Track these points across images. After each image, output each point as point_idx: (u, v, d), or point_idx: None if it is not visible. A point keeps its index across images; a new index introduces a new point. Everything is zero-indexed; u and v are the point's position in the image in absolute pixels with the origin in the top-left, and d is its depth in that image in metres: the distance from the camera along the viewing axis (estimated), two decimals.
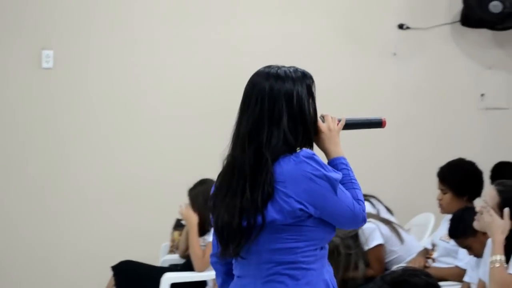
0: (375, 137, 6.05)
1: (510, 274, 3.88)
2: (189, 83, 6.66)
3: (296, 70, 2.74)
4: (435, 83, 7.06)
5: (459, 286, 4.59)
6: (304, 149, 2.69)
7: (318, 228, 2.66)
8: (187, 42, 6.68)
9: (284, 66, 2.74)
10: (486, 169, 5.48)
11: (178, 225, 6.01)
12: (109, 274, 5.64)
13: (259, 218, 2.61)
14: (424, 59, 7.05)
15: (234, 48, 6.72)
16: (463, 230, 4.41)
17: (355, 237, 5.10)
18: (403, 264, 4.96)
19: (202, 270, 5.42)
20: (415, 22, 6.98)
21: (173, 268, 5.75)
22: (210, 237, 5.36)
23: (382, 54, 6.96)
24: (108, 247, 6.43)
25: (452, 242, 4.73)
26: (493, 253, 3.90)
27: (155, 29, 6.67)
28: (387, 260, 5.21)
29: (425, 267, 4.90)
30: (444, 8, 7.04)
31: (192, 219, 5.47)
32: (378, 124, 2.98)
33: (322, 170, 2.62)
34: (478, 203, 4.65)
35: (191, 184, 5.56)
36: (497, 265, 3.86)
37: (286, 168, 2.62)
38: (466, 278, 4.47)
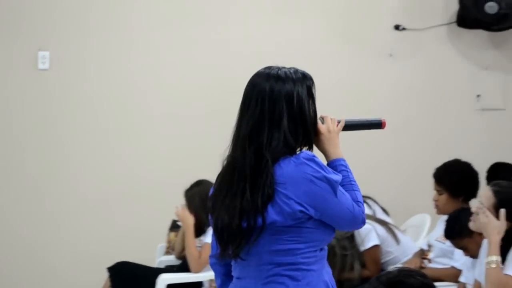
0: (371, 138, 6.04)
1: (506, 274, 3.88)
2: (188, 83, 6.65)
3: (296, 71, 2.73)
4: (431, 84, 7.06)
5: (455, 287, 4.60)
6: (304, 150, 2.69)
7: (318, 230, 2.67)
8: (186, 42, 6.67)
9: (284, 67, 2.73)
10: (482, 170, 5.48)
11: (174, 226, 6.01)
12: (105, 274, 5.64)
13: (259, 220, 2.60)
14: (420, 60, 7.05)
15: (234, 48, 6.71)
16: (459, 231, 4.42)
17: (351, 238, 5.10)
18: (399, 265, 4.96)
19: (198, 271, 5.42)
20: (411, 23, 6.98)
21: (169, 269, 5.74)
22: (206, 238, 5.37)
23: (378, 55, 6.96)
24: (104, 248, 6.42)
25: (448, 243, 4.73)
26: (489, 254, 3.91)
27: (153, 29, 6.64)
28: (383, 261, 5.21)
29: (421, 267, 4.90)
30: (440, 9, 7.04)
31: (188, 220, 5.46)
32: (378, 125, 2.95)
33: (323, 172, 2.62)
34: (474, 204, 4.67)
35: (188, 185, 5.56)
36: (493, 265, 3.87)
37: (286, 169, 2.62)
38: (462, 279, 4.48)
